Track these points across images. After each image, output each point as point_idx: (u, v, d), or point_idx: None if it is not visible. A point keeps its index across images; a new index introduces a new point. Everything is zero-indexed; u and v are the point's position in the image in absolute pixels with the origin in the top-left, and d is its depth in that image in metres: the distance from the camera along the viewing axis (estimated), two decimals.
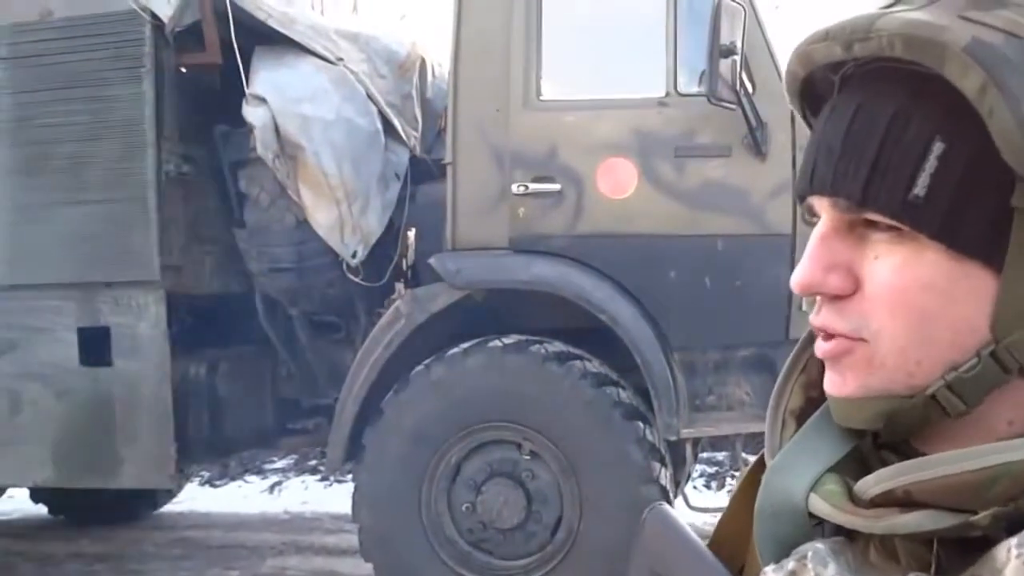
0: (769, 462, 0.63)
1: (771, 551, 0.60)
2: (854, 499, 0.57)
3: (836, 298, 0.58)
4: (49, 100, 4.46)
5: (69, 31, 4.43)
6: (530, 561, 4.34)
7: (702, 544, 0.65)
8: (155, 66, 4.37)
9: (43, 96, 4.47)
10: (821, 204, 0.59)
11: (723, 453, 7.29)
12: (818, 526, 0.59)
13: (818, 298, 0.59)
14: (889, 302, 0.56)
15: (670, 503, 4.26)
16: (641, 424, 4.19)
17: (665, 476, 4.23)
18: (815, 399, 0.64)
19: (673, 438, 4.25)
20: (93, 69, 4.40)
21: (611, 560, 4.18)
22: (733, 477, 6.83)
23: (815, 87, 0.62)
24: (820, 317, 0.59)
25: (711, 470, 7.28)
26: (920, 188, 0.54)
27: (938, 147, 0.54)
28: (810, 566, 0.56)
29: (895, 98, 0.56)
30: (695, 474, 6.88)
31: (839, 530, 0.58)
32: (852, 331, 0.57)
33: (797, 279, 0.58)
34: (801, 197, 0.61)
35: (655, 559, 0.67)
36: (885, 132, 0.55)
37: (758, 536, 0.61)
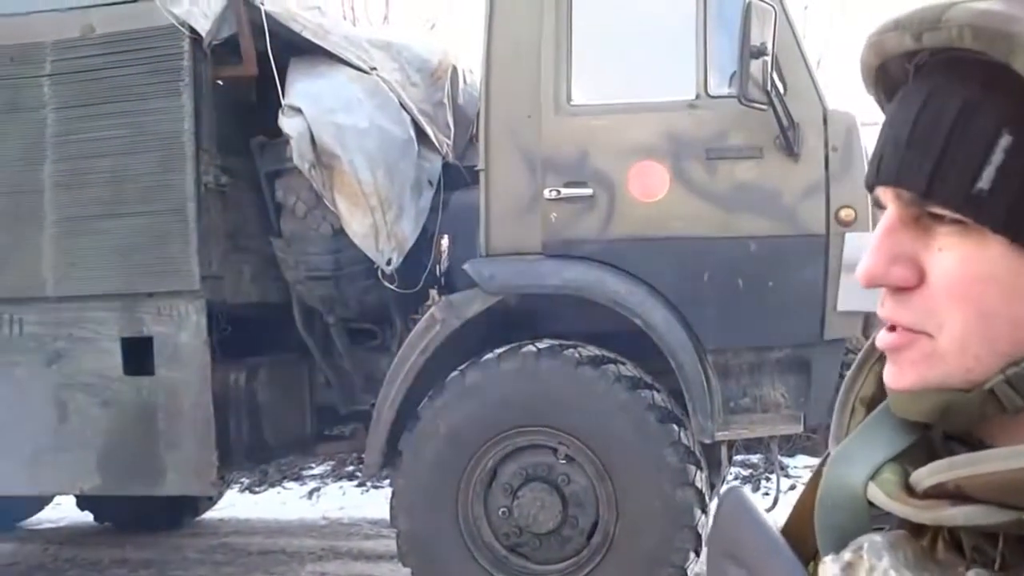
0: (833, 449, 0.64)
1: (831, 539, 0.60)
2: (910, 489, 0.57)
3: (901, 290, 0.58)
4: (91, 115, 4.53)
5: (110, 47, 4.50)
6: (566, 565, 4.34)
7: (775, 529, 0.66)
8: (193, 80, 4.43)
9: (85, 111, 4.54)
10: (887, 195, 0.59)
11: (757, 456, 7.24)
12: (882, 516, 0.59)
13: (883, 290, 0.59)
14: (951, 295, 0.55)
15: (705, 507, 4.25)
16: (676, 427, 4.18)
17: (700, 479, 4.21)
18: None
19: (708, 441, 4.23)
20: (133, 83, 4.47)
21: (647, 563, 4.18)
22: (768, 479, 6.79)
23: (890, 75, 0.61)
24: (885, 309, 0.59)
25: (746, 472, 7.23)
26: (985, 181, 0.53)
27: (1005, 140, 0.53)
28: (865, 558, 0.56)
29: (964, 89, 0.55)
30: (730, 476, 6.84)
31: (905, 520, 0.58)
32: (916, 323, 0.57)
33: (861, 270, 0.58)
34: (870, 188, 0.61)
35: (729, 540, 0.68)
36: (952, 124, 0.55)
37: (818, 524, 0.61)
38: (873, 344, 0.65)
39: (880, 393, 0.64)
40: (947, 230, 0.56)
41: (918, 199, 0.56)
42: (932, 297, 0.57)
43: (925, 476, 0.56)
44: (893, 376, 0.59)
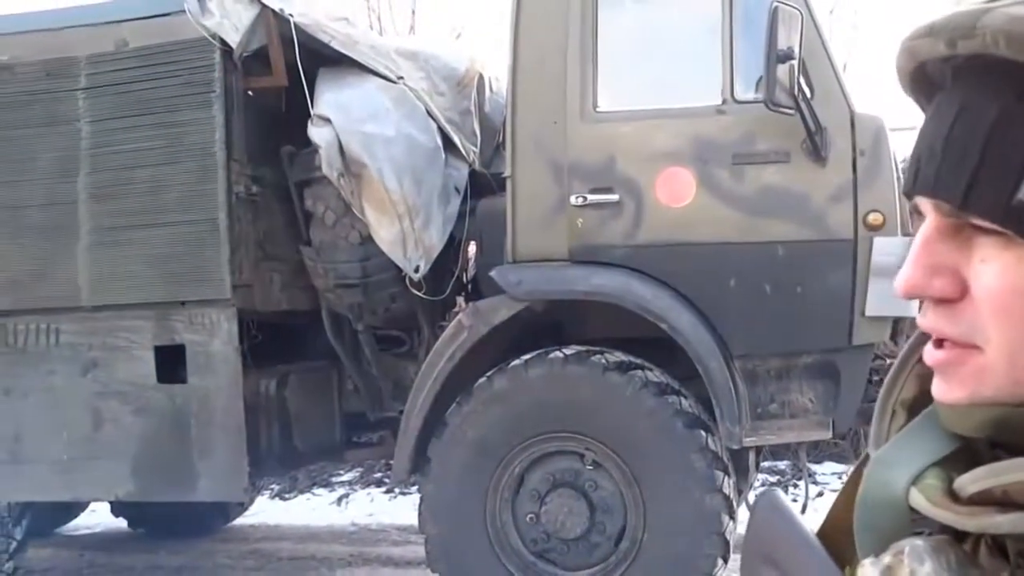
0: (873, 453, 0.63)
1: (870, 544, 0.59)
2: (954, 495, 0.56)
3: (944, 301, 0.57)
4: (125, 127, 4.60)
5: (143, 60, 4.58)
6: (594, 571, 4.34)
7: (810, 532, 0.65)
8: (224, 91, 4.49)
9: (119, 123, 4.61)
10: (925, 205, 0.58)
11: (785, 462, 7.19)
12: (923, 520, 0.58)
13: (926, 300, 0.58)
14: (994, 307, 0.54)
15: (733, 513, 4.23)
16: (703, 433, 4.17)
17: (728, 485, 4.19)
18: (929, 391, 0.62)
19: (736, 447, 4.21)
20: (166, 96, 4.54)
21: (675, 570, 4.16)
22: (796, 486, 6.74)
23: (928, 77, 0.60)
24: (928, 320, 0.58)
25: (773, 479, 7.18)
26: None
27: None
28: (906, 562, 0.55)
29: (1000, 98, 0.54)
30: (757, 483, 6.79)
31: (946, 527, 0.57)
32: (962, 336, 0.56)
33: (901, 281, 0.57)
34: (908, 195, 0.60)
35: (764, 543, 0.67)
36: (988, 134, 0.54)
37: (857, 527, 0.60)
38: (912, 346, 0.64)
39: (921, 396, 0.63)
40: (988, 241, 0.55)
41: (956, 210, 0.55)
42: (976, 310, 0.55)
43: (969, 482, 0.55)
44: (942, 391, 0.58)
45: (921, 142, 0.58)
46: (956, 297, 0.56)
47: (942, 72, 0.58)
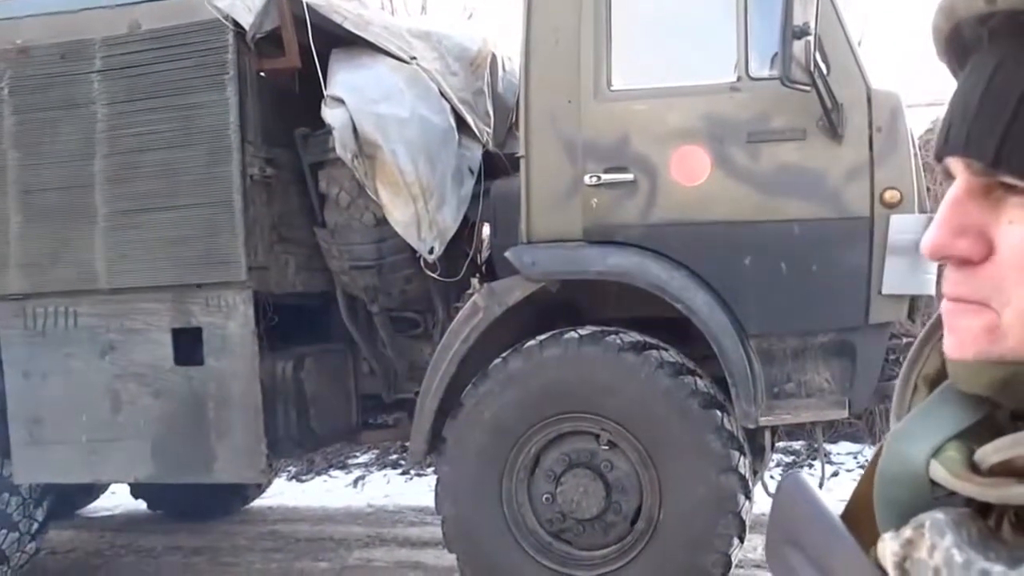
0: (894, 426, 0.62)
1: (890, 517, 0.59)
2: (975, 467, 0.56)
3: (966, 263, 0.56)
4: (139, 109, 4.61)
5: (156, 42, 4.58)
6: (610, 551, 4.35)
7: (834, 514, 0.64)
8: (238, 73, 4.48)
9: (133, 106, 4.62)
10: (956, 165, 0.57)
11: (800, 442, 7.17)
12: (948, 496, 0.58)
13: (947, 263, 0.57)
14: (1020, 269, 0.53)
15: (748, 493, 4.23)
16: (719, 413, 4.16)
17: (744, 465, 4.19)
18: None
19: (751, 426, 4.21)
20: (179, 78, 4.53)
21: (691, 549, 4.17)
22: (811, 466, 6.72)
23: (964, 41, 0.59)
24: (947, 283, 0.57)
25: (788, 459, 7.17)
26: None
27: None
28: (927, 535, 0.55)
29: None
30: (772, 463, 6.78)
31: (970, 501, 0.57)
32: (981, 299, 0.55)
33: (926, 242, 0.57)
34: (938, 158, 0.59)
35: (788, 525, 0.66)
36: (1023, 91, 0.53)
37: (877, 501, 0.60)
38: (937, 321, 0.63)
39: (944, 370, 0.62)
40: (1018, 201, 0.54)
41: (987, 168, 0.54)
42: (999, 271, 0.54)
43: (991, 453, 0.55)
44: (952, 346, 0.58)
45: (954, 103, 0.57)
46: (979, 258, 0.55)
47: (978, 35, 0.57)
